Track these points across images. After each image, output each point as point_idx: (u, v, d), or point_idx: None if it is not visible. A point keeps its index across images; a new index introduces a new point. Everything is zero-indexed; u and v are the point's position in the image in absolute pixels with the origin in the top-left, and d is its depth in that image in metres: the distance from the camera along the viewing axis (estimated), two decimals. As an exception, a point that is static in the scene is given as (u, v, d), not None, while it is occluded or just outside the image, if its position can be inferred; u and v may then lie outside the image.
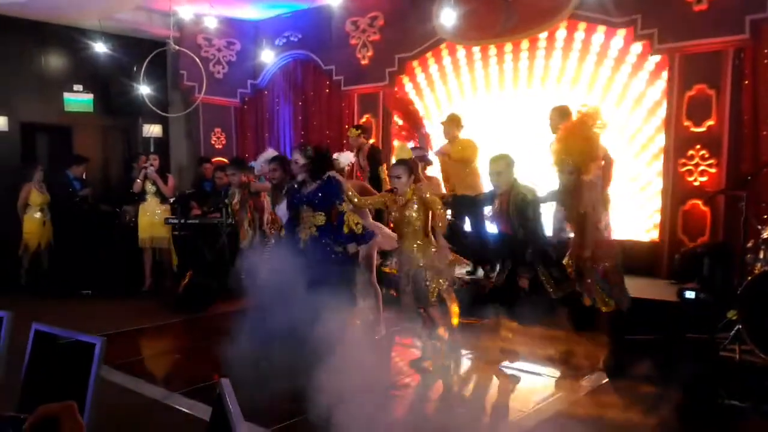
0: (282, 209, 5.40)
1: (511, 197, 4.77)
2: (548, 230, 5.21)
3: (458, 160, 6.62)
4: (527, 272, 4.76)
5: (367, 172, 7.25)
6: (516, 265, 4.75)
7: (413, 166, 4.97)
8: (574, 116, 5.04)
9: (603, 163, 5.34)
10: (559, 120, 5.47)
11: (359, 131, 7.34)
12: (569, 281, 4.88)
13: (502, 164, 4.82)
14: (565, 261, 4.92)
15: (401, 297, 4.97)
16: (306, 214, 4.92)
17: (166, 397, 4.31)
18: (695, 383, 3.80)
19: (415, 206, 4.70)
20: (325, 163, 4.97)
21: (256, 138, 10.39)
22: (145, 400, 4.29)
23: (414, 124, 6.79)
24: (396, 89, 8.52)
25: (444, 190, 6.64)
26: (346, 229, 4.82)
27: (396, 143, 7.58)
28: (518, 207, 4.73)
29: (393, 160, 6.01)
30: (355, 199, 4.97)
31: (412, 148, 6.30)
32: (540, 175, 5.47)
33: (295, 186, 5.00)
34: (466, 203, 6.53)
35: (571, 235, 4.99)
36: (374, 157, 7.31)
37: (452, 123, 6.73)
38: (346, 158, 6.06)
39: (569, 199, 4.81)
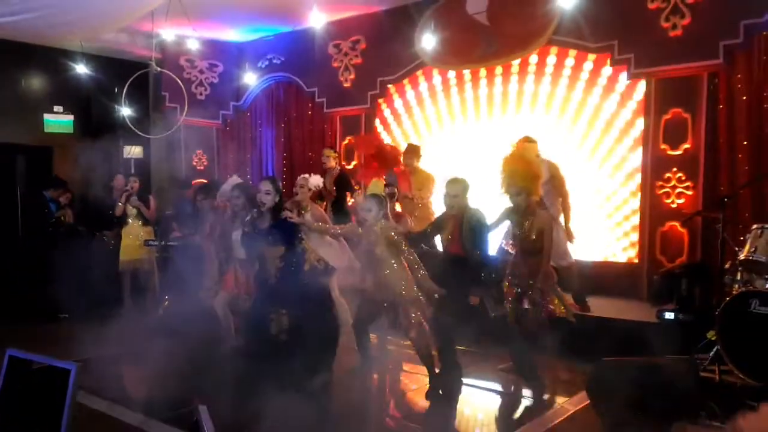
0: (236, 238, 5.32)
1: (464, 220, 4.83)
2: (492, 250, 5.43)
3: (418, 189, 6.74)
4: (480, 292, 4.81)
5: (332, 197, 7.26)
6: (469, 285, 4.77)
7: (384, 202, 5.00)
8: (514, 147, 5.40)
9: (555, 181, 5.85)
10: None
11: (335, 154, 7.38)
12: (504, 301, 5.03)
13: (459, 188, 4.88)
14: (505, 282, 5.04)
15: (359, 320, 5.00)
16: (265, 249, 4.82)
17: (143, 423, 4.24)
18: (675, 404, 3.81)
19: (383, 244, 4.72)
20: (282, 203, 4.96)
21: (238, 160, 10.38)
22: (122, 425, 4.22)
23: (385, 162, 6.84)
24: (364, 133, 8.67)
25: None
26: (307, 266, 4.81)
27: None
28: (473, 229, 4.79)
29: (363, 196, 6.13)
30: (327, 227, 5.01)
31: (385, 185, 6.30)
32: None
33: (252, 217, 4.91)
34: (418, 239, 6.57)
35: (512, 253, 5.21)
36: (342, 183, 7.33)
37: (411, 153, 7.00)
38: (315, 181, 6.09)
39: (520, 219, 4.94)
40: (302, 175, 6.11)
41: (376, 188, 6.08)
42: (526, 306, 4.87)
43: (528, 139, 5.84)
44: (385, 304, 4.79)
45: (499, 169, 5.03)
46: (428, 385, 4.86)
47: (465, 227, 4.82)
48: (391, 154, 7.04)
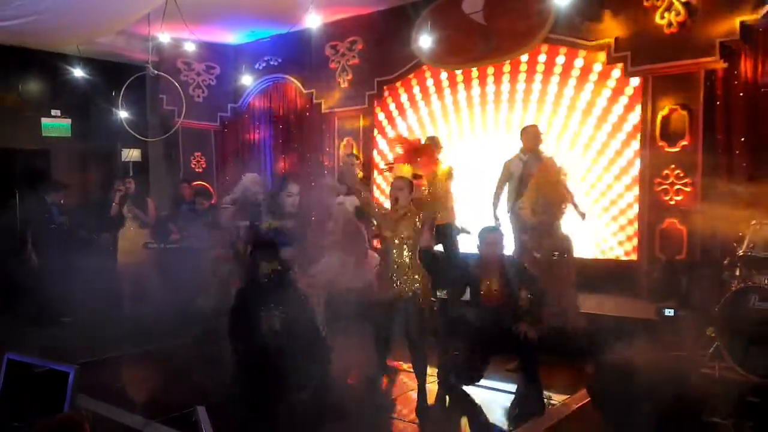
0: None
1: (506, 270, 4.78)
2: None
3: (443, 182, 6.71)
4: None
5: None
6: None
7: (412, 185, 4.89)
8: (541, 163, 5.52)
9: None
10: (529, 141, 5.88)
11: (358, 161, 7.25)
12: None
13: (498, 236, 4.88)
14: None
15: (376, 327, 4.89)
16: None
17: (144, 425, 4.24)
18: (676, 401, 3.81)
19: (412, 222, 4.62)
20: None
21: (236, 161, 10.37)
22: (122, 428, 4.22)
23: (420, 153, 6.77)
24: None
25: None
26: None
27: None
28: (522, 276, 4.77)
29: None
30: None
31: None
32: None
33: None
34: (447, 232, 6.55)
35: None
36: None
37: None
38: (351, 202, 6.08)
39: (541, 240, 5.01)
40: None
41: (404, 170, 5.99)
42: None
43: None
44: (394, 298, 4.63)
45: (529, 189, 5.13)
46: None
47: (511, 277, 4.69)
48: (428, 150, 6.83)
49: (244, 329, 4.59)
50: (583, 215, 5.85)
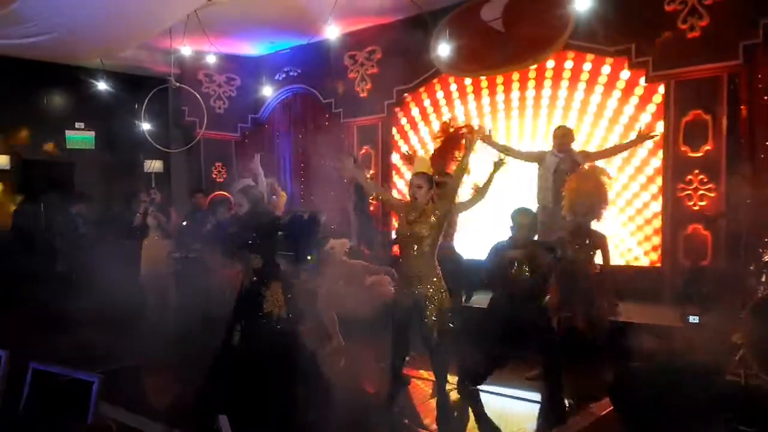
0: None
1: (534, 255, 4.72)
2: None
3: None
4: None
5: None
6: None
7: (433, 180, 4.78)
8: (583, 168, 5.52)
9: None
10: (557, 139, 6.04)
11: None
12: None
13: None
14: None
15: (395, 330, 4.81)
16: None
17: (166, 434, 4.26)
18: (701, 408, 3.75)
19: (431, 221, 4.55)
20: None
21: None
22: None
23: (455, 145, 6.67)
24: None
25: None
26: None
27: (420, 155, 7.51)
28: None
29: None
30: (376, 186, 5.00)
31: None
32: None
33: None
34: None
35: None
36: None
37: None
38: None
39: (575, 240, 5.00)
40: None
41: (423, 166, 5.90)
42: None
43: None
44: (413, 300, 4.56)
45: (569, 188, 5.13)
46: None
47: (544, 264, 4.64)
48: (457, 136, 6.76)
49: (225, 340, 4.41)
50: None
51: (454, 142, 6.68)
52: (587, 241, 5.08)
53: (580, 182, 5.19)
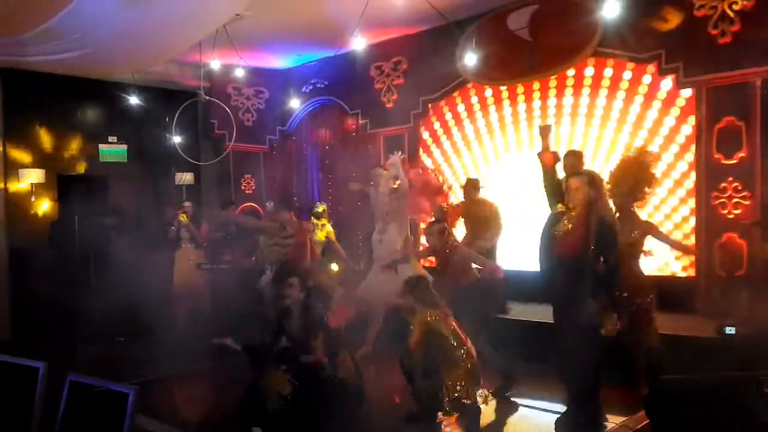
0: None
1: (592, 221, 4.28)
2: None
3: (483, 219, 6.74)
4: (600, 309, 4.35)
5: None
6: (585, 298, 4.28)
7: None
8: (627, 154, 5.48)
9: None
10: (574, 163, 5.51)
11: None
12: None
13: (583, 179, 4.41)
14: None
15: None
16: None
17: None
18: (738, 422, 3.66)
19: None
20: None
21: (284, 182, 10.55)
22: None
23: (431, 197, 6.77)
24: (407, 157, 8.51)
25: None
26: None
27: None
28: (603, 234, 4.26)
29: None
30: None
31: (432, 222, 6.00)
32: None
33: None
34: None
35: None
36: None
37: (470, 186, 7.03)
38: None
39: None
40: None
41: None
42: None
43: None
44: None
45: (614, 169, 5.20)
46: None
47: (593, 229, 4.23)
48: (436, 187, 6.87)
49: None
50: None
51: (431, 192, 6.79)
52: (627, 226, 4.91)
53: (624, 163, 5.22)
